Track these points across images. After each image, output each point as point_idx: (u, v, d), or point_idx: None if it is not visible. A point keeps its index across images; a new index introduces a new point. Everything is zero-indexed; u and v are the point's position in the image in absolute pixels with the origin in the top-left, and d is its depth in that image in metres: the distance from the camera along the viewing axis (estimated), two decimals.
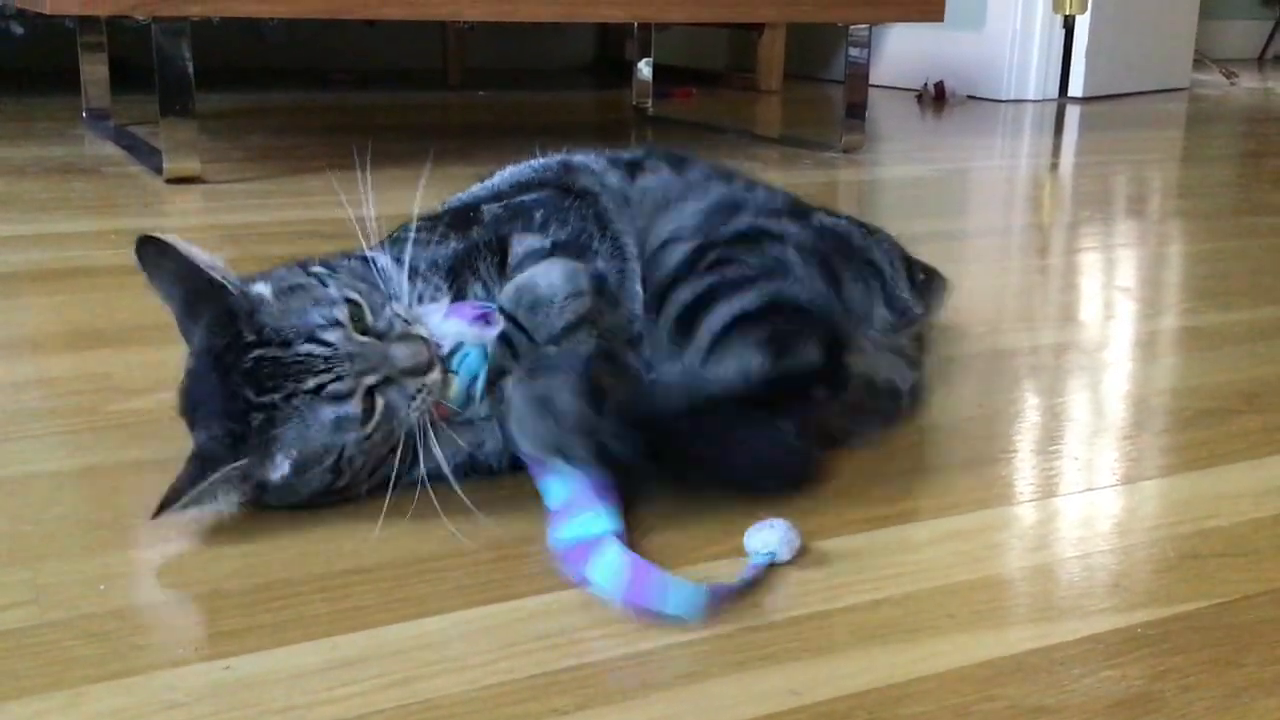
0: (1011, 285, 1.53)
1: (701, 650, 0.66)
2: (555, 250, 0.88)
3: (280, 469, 0.77)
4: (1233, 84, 4.37)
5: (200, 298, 0.79)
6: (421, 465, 0.81)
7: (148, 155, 2.15)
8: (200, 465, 0.75)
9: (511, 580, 0.73)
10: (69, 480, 0.87)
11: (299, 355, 0.76)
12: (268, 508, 0.79)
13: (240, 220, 1.74)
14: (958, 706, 0.62)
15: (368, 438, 0.77)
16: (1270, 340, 1.27)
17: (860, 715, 0.61)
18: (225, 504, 0.77)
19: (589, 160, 1.04)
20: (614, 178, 1.01)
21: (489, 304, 0.84)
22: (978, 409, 1.05)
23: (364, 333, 0.78)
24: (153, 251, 0.79)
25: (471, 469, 0.85)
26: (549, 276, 0.83)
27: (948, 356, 1.16)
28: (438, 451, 0.80)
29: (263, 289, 0.79)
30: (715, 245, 0.93)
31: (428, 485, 0.80)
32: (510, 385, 0.80)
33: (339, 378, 0.76)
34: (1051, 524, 0.84)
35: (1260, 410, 1.06)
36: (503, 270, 0.87)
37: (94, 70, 2.63)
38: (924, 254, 1.12)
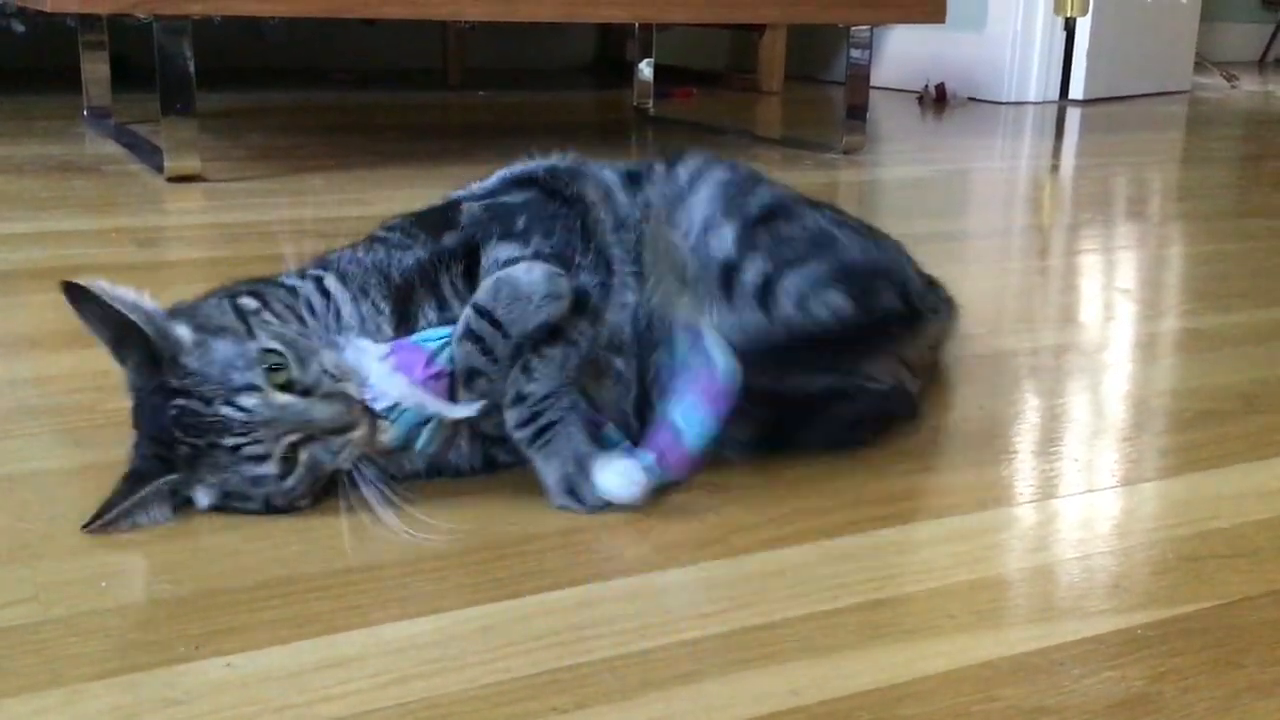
0: (1012, 286, 1.53)
1: (701, 649, 0.66)
2: (535, 261, 0.85)
3: (205, 500, 0.79)
4: (1233, 87, 4.37)
5: (125, 339, 0.79)
6: (366, 482, 0.80)
7: (148, 154, 2.15)
8: (132, 481, 0.77)
9: (510, 579, 0.73)
10: (68, 478, 0.87)
11: (217, 415, 0.76)
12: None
13: (240, 219, 1.74)
14: (957, 707, 0.62)
15: (291, 487, 0.78)
16: (1270, 342, 1.27)
17: (860, 715, 0.61)
18: (159, 516, 0.78)
19: (603, 171, 1.00)
20: (623, 196, 0.98)
21: (440, 340, 0.82)
22: (978, 410, 1.05)
23: (288, 385, 0.77)
24: (79, 296, 0.79)
25: (437, 471, 0.85)
26: (530, 274, 0.82)
27: (949, 357, 1.16)
28: (371, 480, 0.80)
29: (184, 332, 0.78)
30: (756, 223, 0.95)
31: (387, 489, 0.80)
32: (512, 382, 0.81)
33: (255, 442, 0.76)
34: (1051, 525, 0.84)
35: (1260, 412, 1.06)
36: (470, 280, 0.86)
37: (95, 68, 2.63)
38: (925, 255, 1.12)
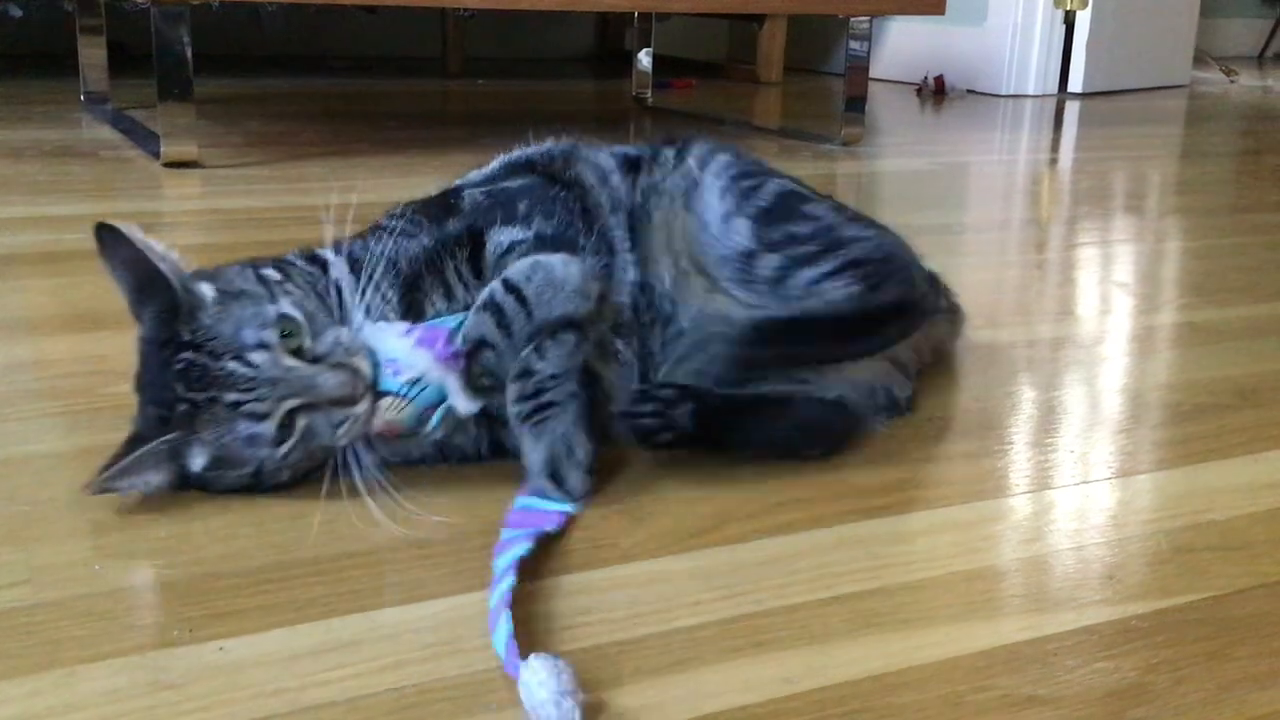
0: (1009, 279, 1.53)
1: (695, 637, 0.66)
2: (539, 243, 0.87)
3: (198, 461, 0.78)
4: (1232, 81, 4.37)
5: (147, 288, 0.80)
6: (361, 467, 0.80)
7: (145, 139, 2.15)
8: (131, 443, 0.78)
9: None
10: (64, 461, 0.87)
11: (224, 370, 0.76)
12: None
13: (237, 205, 1.74)
14: (951, 696, 0.62)
15: (285, 455, 0.78)
16: (1266, 336, 1.27)
17: (854, 703, 0.61)
18: (155, 480, 0.78)
19: (598, 155, 1.01)
20: (620, 179, 0.99)
21: (458, 322, 0.82)
22: (974, 401, 1.05)
23: (299, 352, 0.78)
24: (109, 238, 0.80)
25: (443, 456, 0.85)
26: (569, 268, 0.84)
27: (945, 350, 1.16)
28: (367, 466, 0.80)
29: (207, 289, 0.80)
30: (769, 219, 0.95)
31: (382, 474, 0.80)
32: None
33: (258, 399, 0.76)
34: (1046, 516, 0.84)
35: (1255, 405, 1.06)
36: (475, 264, 0.86)
37: (92, 54, 2.62)
38: (923, 247, 1.12)
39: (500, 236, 0.87)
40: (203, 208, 1.74)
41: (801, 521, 0.80)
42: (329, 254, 0.86)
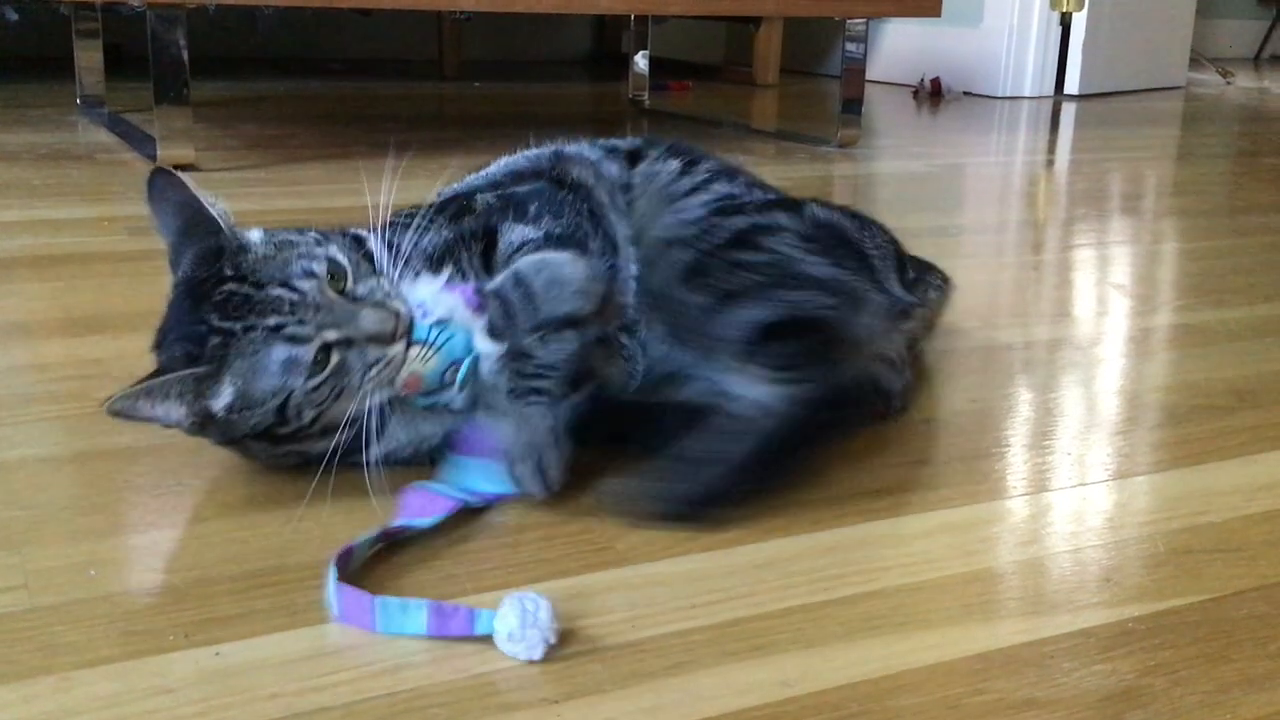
0: (1006, 281, 1.53)
1: (691, 641, 0.66)
2: (549, 242, 0.88)
3: (224, 397, 0.77)
4: (1228, 83, 4.37)
5: (195, 229, 0.81)
6: (376, 448, 0.80)
7: (142, 142, 2.15)
8: (155, 373, 0.77)
9: (501, 569, 0.73)
10: (59, 465, 0.86)
11: (269, 296, 0.77)
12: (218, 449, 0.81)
13: (234, 208, 1.73)
14: (948, 699, 0.62)
15: (315, 389, 0.78)
16: (1263, 338, 1.27)
17: (851, 707, 0.61)
18: (175, 415, 0.77)
19: (583, 150, 1.04)
20: (612, 167, 1.01)
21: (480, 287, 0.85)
22: (970, 403, 1.05)
23: (341, 293, 0.80)
24: (161, 182, 0.82)
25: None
26: (575, 266, 0.85)
27: (942, 351, 1.16)
28: (399, 433, 0.81)
29: (255, 234, 0.82)
30: (717, 251, 0.92)
31: (380, 469, 0.79)
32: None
33: (300, 322, 0.77)
34: (1043, 518, 0.84)
35: (1252, 407, 1.06)
36: (488, 261, 0.88)
37: (89, 57, 2.62)
38: (919, 249, 1.12)
39: (513, 235, 0.89)
40: None
41: (798, 524, 0.80)
42: (364, 232, 0.87)
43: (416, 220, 0.88)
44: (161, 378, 0.76)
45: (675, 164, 1.02)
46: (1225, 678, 0.64)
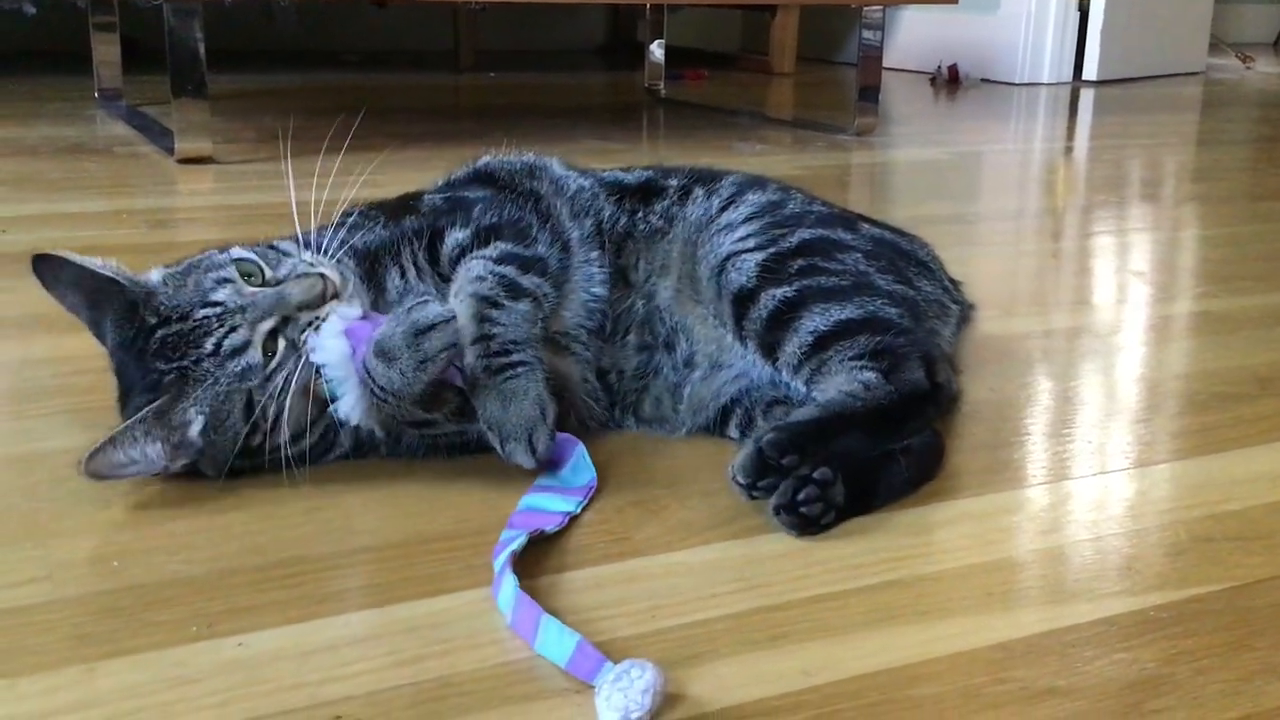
0: (1025, 269, 1.53)
1: (713, 630, 0.66)
2: (481, 234, 0.90)
3: (195, 424, 0.79)
4: (1248, 68, 4.34)
5: (100, 296, 0.82)
6: (343, 445, 0.83)
7: (159, 136, 2.15)
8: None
9: (524, 561, 0.73)
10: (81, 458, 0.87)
11: (196, 321, 0.79)
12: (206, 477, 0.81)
13: (251, 200, 1.74)
14: (969, 688, 0.62)
15: (268, 378, 0.78)
16: None
17: (872, 696, 0.61)
18: (152, 453, 0.78)
19: (551, 166, 1.02)
20: (606, 206, 0.98)
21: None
22: (990, 392, 1.05)
23: (263, 284, 0.81)
24: (46, 267, 0.83)
25: (432, 449, 0.86)
26: (427, 310, 0.79)
27: (960, 339, 1.15)
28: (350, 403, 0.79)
29: (154, 274, 0.83)
30: (791, 254, 0.92)
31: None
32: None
33: (233, 329, 0.78)
34: (1064, 507, 0.84)
35: (1274, 394, 1.05)
36: (433, 259, 0.90)
37: (106, 51, 2.63)
38: (938, 237, 1.12)
39: (457, 235, 0.90)
40: (217, 203, 1.75)
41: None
42: (289, 244, 0.88)
43: (357, 219, 0.90)
44: (124, 424, 0.77)
45: (700, 191, 1.00)
46: (1247, 666, 0.64)
